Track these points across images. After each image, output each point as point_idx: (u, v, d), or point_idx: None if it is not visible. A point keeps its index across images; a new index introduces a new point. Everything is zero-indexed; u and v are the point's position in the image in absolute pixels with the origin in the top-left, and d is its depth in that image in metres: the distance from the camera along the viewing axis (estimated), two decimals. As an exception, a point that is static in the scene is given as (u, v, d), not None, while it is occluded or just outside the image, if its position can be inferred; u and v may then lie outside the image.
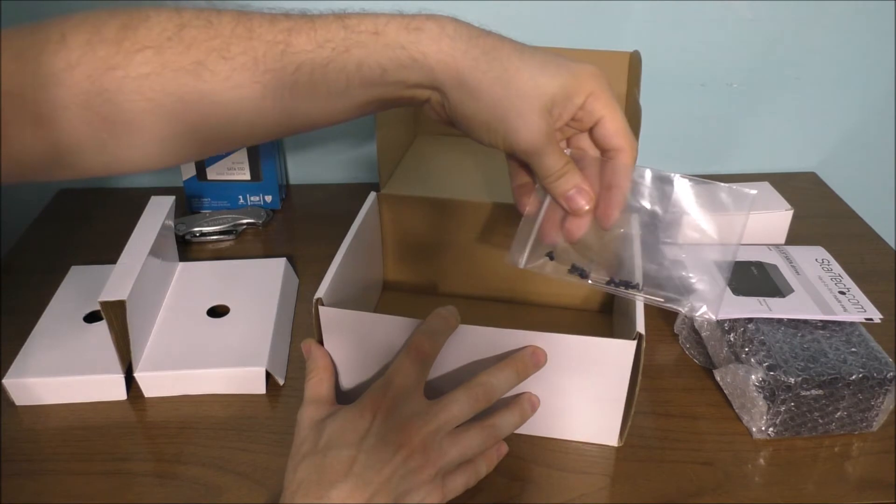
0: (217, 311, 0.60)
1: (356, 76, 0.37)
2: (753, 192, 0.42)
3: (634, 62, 0.67)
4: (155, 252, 0.56)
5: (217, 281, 0.63)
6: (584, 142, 0.43)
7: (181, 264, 0.65)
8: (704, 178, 0.43)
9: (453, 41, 0.38)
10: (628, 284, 0.44)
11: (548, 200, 0.43)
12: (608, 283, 0.44)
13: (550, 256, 0.45)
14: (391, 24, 0.37)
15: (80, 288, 0.62)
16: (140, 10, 0.36)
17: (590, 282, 0.44)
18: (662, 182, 0.43)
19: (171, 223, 0.62)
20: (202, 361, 0.54)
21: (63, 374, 0.53)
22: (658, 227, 0.45)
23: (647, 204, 0.45)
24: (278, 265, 0.65)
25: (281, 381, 0.55)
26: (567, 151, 0.42)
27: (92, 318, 0.58)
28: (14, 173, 0.36)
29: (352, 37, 0.37)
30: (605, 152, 0.42)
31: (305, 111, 0.38)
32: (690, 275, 0.45)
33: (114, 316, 0.50)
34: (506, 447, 0.47)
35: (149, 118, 0.36)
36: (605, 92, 0.40)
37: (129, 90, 0.35)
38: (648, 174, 0.43)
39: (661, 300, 0.43)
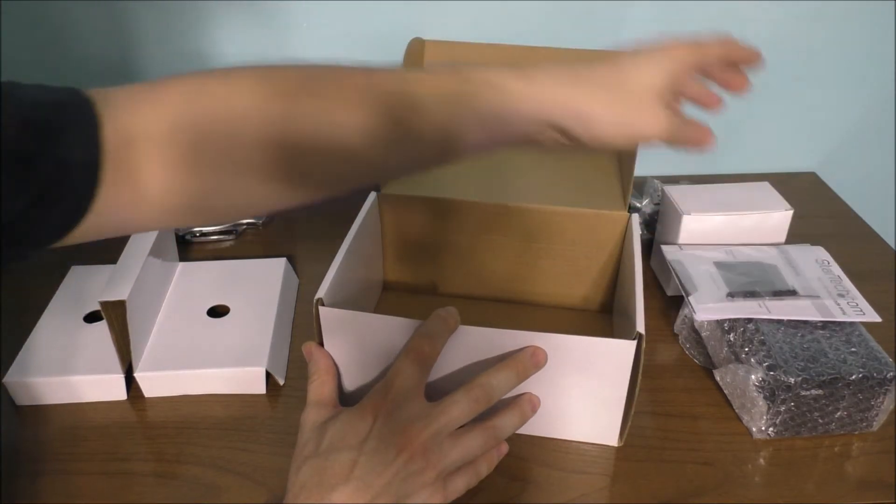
0: (217, 311, 0.60)
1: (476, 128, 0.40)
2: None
3: None
4: (155, 252, 0.56)
5: (217, 281, 0.63)
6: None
7: (181, 264, 0.65)
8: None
9: (562, 85, 0.40)
10: None
11: None
12: None
13: None
14: (501, 73, 0.40)
15: (80, 288, 0.62)
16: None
17: None
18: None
19: None
20: (202, 361, 0.54)
21: (63, 373, 0.53)
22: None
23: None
24: (278, 265, 0.65)
25: (281, 381, 0.55)
26: None
27: (92, 318, 0.58)
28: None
29: (467, 88, 0.39)
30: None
31: (421, 158, 0.41)
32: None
33: (114, 316, 0.50)
34: (506, 447, 0.47)
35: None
36: (682, 49, 0.41)
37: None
38: None
39: None
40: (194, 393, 0.54)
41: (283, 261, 0.65)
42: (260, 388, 0.54)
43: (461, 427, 0.43)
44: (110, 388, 0.53)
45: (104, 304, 0.49)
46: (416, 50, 0.70)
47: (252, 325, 0.58)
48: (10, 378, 0.52)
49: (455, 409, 0.43)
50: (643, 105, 0.39)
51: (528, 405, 0.47)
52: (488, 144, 0.41)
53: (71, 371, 0.53)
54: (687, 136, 0.41)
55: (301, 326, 0.61)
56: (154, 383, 0.54)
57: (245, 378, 0.54)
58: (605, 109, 0.39)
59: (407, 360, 0.44)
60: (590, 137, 0.39)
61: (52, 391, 0.53)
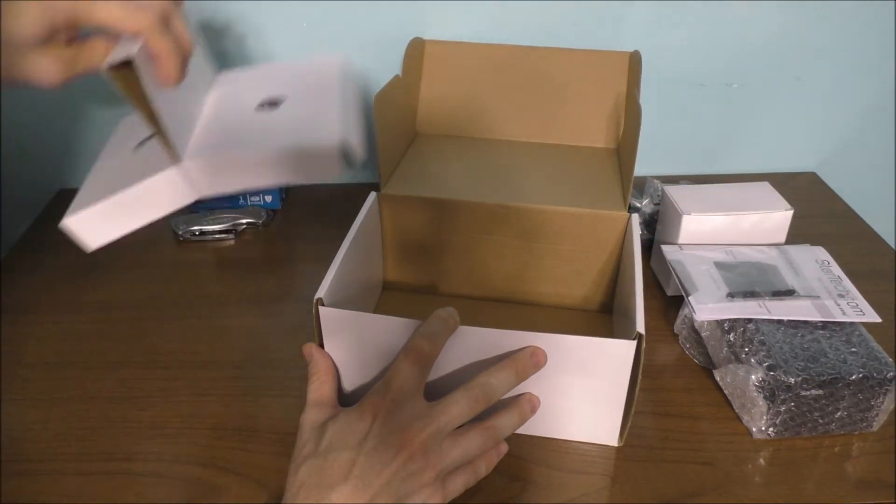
0: (269, 105, 0.49)
1: None
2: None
3: (634, 62, 0.67)
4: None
5: (262, 79, 0.53)
6: None
7: (219, 74, 0.54)
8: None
9: None
10: None
11: None
12: None
13: None
14: None
15: (129, 131, 0.52)
16: None
17: None
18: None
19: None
20: (263, 143, 0.43)
21: (117, 192, 0.43)
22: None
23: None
24: (332, 62, 0.53)
25: (359, 159, 0.44)
26: None
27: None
28: None
29: None
30: None
31: None
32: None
33: (129, 88, 0.39)
34: (505, 447, 0.47)
35: None
36: None
37: None
38: None
39: None
40: (256, 186, 0.44)
41: (338, 59, 0.54)
42: (332, 170, 0.43)
43: (460, 427, 0.43)
44: (170, 190, 0.43)
45: (111, 72, 0.38)
46: (417, 50, 0.70)
47: (315, 109, 0.47)
48: (70, 217, 0.44)
49: (454, 409, 0.43)
50: None
51: (527, 405, 0.47)
52: None
53: (124, 186, 0.43)
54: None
55: (302, 327, 0.61)
56: (210, 173, 0.43)
57: (316, 157, 0.43)
58: None
59: (406, 360, 0.44)
60: None
61: (112, 217, 0.44)
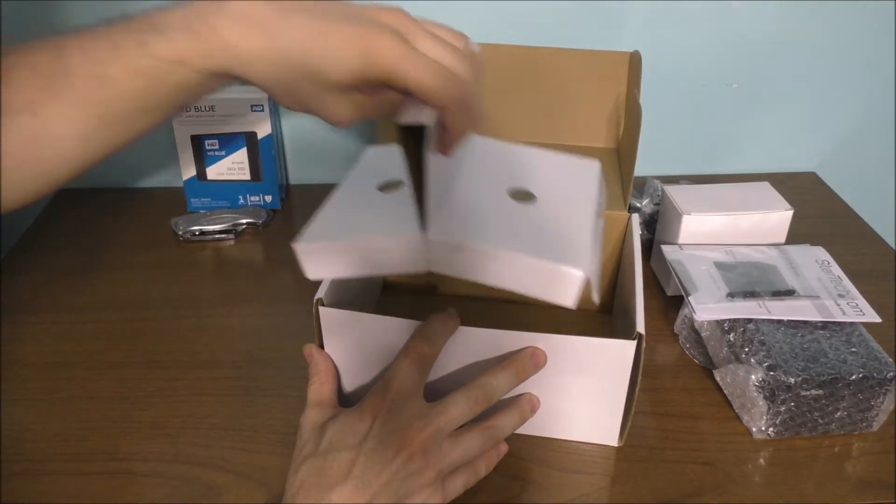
0: (519, 196, 0.48)
1: (177, 93, 0.40)
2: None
3: (634, 62, 0.67)
4: None
5: (516, 161, 0.51)
6: None
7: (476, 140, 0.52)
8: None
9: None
10: None
11: None
12: None
13: None
14: (188, 44, 0.38)
15: (376, 166, 0.52)
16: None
17: None
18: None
19: None
20: (505, 241, 0.42)
21: (354, 235, 0.44)
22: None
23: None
24: (593, 167, 0.52)
25: (596, 299, 0.43)
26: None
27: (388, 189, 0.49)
28: None
29: (160, 66, 0.38)
30: None
31: (143, 124, 0.41)
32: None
33: (408, 144, 0.40)
34: (505, 447, 0.47)
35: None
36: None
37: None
38: None
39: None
40: (485, 282, 0.42)
41: (597, 164, 0.53)
42: (569, 297, 0.41)
43: (460, 427, 0.43)
44: (408, 249, 0.43)
45: (402, 127, 0.39)
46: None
47: (566, 222, 0.45)
48: (302, 243, 0.45)
49: (454, 410, 0.43)
50: None
51: (527, 405, 0.47)
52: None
53: (366, 230, 0.43)
54: None
55: (302, 327, 0.61)
56: (445, 253, 0.42)
57: (555, 279, 0.41)
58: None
59: (406, 360, 0.44)
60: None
61: (341, 257, 0.44)
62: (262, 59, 0.38)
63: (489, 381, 0.44)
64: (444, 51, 0.39)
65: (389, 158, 0.51)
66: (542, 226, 0.44)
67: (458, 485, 0.43)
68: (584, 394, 0.48)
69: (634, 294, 0.49)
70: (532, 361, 0.46)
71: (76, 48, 0.38)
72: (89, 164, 0.41)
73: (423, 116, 0.38)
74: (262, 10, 0.38)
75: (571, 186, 0.49)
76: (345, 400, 0.50)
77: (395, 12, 0.40)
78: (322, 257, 0.44)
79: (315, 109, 0.41)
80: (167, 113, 0.41)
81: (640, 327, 0.45)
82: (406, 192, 0.45)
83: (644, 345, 0.45)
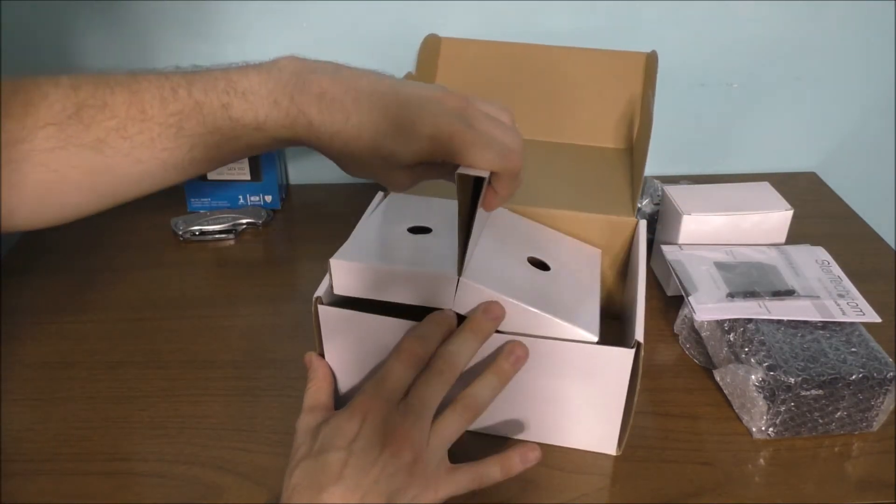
0: (537, 263, 0.53)
1: (245, 151, 0.44)
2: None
3: (651, 63, 0.66)
4: None
5: (526, 235, 0.56)
6: None
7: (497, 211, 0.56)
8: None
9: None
10: None
11: None
12: None
13: None
14: (270, 115, 0.42)
15: (402, 209, 0.56)
16: (38, 85, 0.40)
17: None
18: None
19: None
20: (532, 301, 0.46)
21: (391, 263, 0.47)
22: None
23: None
24: (594, 255, 0.57)
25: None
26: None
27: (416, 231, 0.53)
28: None
29: (237, 128, 0.42)
30: None
31: (203, 170, 0.45)
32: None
33: (463, 193, 0.43)
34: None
35: (56, 187, 0.41)
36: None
37: (36, 162, 0.40)
38: None
39: None
40: (519, 333, 0.46)
41: (598, 252, 0.58)
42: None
43: (442, 411, 0.43)
44: (442, 287, 0.46)
45: (461, 176, 0.41)
46: (432, 47, 0.70)
47: (578, 293, 0.50)
48: (339, 260, 0.47)
49: (426, 391, 0.43)
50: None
51: (506, 361, 0.45)
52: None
53: (405, 263, 0.47)
54: None
55: (304, 327, 0.61)
56: (470, 295, 0.46)
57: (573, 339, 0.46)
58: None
59: (398, 360, 0.44)
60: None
61: (372, 280, 0.47)
62: (338, 137, 0.42)
63: (446, 349, 0.44)
64: (499, 129, 0.44)
65: (412, 206, 0.56)
66: (559, 292, 0.49)
67: (452, 428, 0.43)
68: (582, 402, 0.48)
69: (636, 300, 0.48)
70: (486, 316, 0.45)
71: (156, 97, 0.41)
72: (140, 196, 0.45)
73: (478, 171, 0.42)
74: (339, 88, 0.42)
75: (576, 264, 0.55)
76: (342, 400, 0.50)
77: (456, 97, 0.44)
78: (355, 276, 0.48)
79: (379, 179, 0.46)
80: (227, 164, 0.45)
81: (639, 335, 0.45)
82: (436, 238, 0.50)
83: (643, 353, 0.44)
